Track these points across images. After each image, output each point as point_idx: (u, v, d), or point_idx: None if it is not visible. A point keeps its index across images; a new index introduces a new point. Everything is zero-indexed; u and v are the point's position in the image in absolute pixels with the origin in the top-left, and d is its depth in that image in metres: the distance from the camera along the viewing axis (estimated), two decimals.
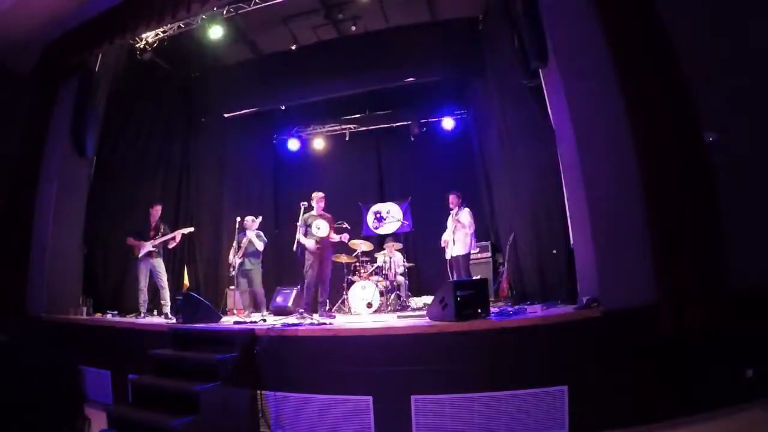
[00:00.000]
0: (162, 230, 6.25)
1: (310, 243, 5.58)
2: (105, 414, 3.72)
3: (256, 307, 6.49)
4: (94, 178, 6.58)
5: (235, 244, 6.45)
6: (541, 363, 3.66)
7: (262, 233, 6.64)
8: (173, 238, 6.27)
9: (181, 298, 5.38)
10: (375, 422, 3.73)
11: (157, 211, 6.36)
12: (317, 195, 5.85)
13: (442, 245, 6.36)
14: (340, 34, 7.27)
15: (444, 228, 6.44)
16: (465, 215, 6.09)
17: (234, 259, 6.40)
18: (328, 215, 5.87)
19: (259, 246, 6.49)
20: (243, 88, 7.96)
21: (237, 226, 6.43)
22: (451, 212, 6.32)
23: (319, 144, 9.64)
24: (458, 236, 6.10)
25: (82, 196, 6.37)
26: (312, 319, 5.12)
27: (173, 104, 7.78)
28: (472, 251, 6.43)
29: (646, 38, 4.08)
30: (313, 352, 4.06)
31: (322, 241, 5.57)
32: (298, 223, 5.60)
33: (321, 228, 5.50)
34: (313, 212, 5.78)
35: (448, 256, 6.30)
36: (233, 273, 6.41)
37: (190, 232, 6.53)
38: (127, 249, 6.26)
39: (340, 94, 8.13)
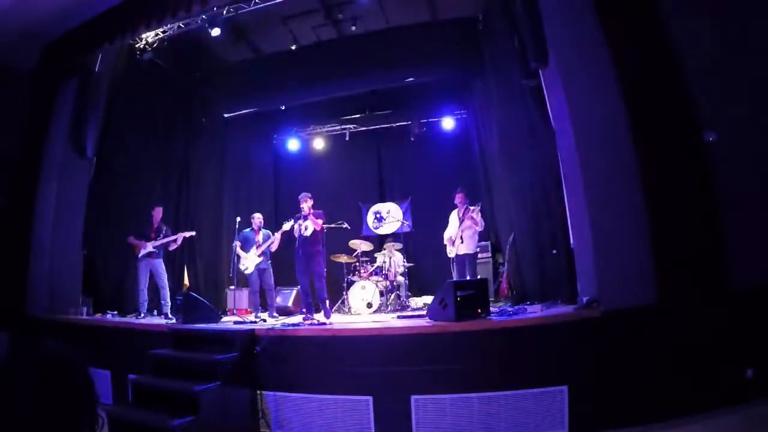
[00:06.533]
0: (164, 231, 6.25)
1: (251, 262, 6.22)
2: (105, 414, 3.72)
3: (266, 308, 6.39)
4: (94, 178, 6.58)
5: (236, 241, 6.37)
6: (541, 363, 3.66)
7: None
8: (174, 241, 6.27)
9: (181, 298, 5.38)
10: (375, 422, 3.73)
11: (158, 212, 6.35)
12: (303, 196, 5.63)
13: (446, 242, 6.29)
14: (340, 34, 7.26)
15: (445, 226, 6.41)
16: (478, 213, 6.04)
17: (250, 257, 6.32)
18: (316, 212, 5.56)
19: (274, 245, 6.39)
20: (243, 88, 7.96)
21: (237, 226, 6.40)
22: (457, 210, 6.24)
23: (319, 144, 9.64)
24: (467, 234, 6.05)
25: (82, 196, 6.37)
26: (314, 319, 5.12)
27: (173, 104, 7.77)
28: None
29: (646, 38, 4.09)
30: (313, 352, 4.06)
31: (308, 241, 5.45)
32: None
33: (308, 228, 5.46)
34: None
35: (452, 254, 6.23)
36: (248, 272, 6.31)
37: (192, 235, 6.52)
38: (127, 248, 6.27)
39: (340, 94, 8.13)
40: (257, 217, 6.57)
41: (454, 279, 6.08)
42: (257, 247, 6.31)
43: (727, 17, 3.99)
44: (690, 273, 3.70)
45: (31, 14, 5.85)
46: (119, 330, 5.20)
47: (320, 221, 5.47)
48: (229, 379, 3.86)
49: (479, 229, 6.09)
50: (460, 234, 6.07)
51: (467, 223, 6.01)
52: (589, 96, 4.10)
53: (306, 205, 5.51)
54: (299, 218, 5.51)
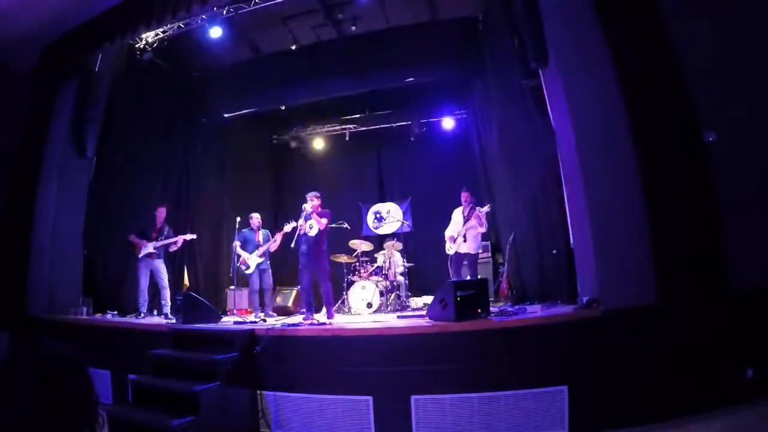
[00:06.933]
0: (165, 233, 6.26)
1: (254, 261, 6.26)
2: (105, 414, 3.72)
3: (264, 307, 6.42)
4: (94, 178, 6.58)
5: (236, 241, 6.37)
6: (541, 363, 3.66)
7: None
8: (175, 243, 6.27)
9: (181, 298, 5.38)
10: (375, 422, 3.73)
11: (162, 213, 6.37)
12: (309, 195, 5.61)
13: (447, 239, 6.25)
14: (340, 34, 7.26)
15: (445, 226, 6.39)
16: (485, 215, 6.00)
17: (252, 258, 6.32)
18: (319, 212, 5.53)
19: (274, 246, 6.41)
20: (243, 88, 7.95)
21: (237, 226, 6.40)
22: (462, 208, 6.20)
23: (319, 144, 9.64)
24: (470, 233, 6.02)
25: (82, 196, 6.38)
26: (314, 319, 5.12)
27: (173, 104, 7.77)
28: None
29: (646, 38, 4.09)
30: (313, 352, 4.06)
31: (312, 240, 5.43)
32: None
33: (312, 227, 5.45)
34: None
35: (451, 251, 6.21)
36: (249, 271, 6.32)
37: (192, 238, 6.54)
38: (127, 248, 6.27)
39: (340, 94, 8.13)
40: (255, 218, 6.58)
41: (452, 277, 6.10)
42: (258, 248, 6.33)
43: (727, 17, 3.99)
44: (690, 273, 3.70)
45: (31, 14, 5.85)
46: (119, 330, 5.20)
47: (324, 220, 5.44)
48: (229, 379, 3.86)
49: (483, 230, 6.07)
50: (463, 232, 6.05)
51: (473, 222, 5.97)
52: (589, 96, 4.10)
53: (309, 204, 5.49)
54: (303, 217, 5.50)
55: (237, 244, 6.31)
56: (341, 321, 5.52)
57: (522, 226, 6.05)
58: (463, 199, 6.21)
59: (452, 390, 3.64)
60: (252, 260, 6.29)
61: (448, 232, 6.27)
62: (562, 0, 4.34)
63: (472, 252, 6.08)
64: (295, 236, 5.64)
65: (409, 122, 9.05)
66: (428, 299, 6.45)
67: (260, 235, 6.45)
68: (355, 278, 7.00)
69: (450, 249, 6.23)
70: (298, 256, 5.54)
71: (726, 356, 3.54)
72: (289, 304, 6.92)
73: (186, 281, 7.57)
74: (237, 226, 6.39)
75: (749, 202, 3.80)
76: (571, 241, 4.39)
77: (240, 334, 4.24)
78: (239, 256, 6.31)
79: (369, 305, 6.48)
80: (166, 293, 6.15)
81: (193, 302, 5.22)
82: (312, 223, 5.40)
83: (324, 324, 4.84)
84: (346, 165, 9.55)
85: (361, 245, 7.38)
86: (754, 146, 3.87)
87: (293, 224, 5.67)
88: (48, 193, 6.12)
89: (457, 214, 6.25)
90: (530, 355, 3.69)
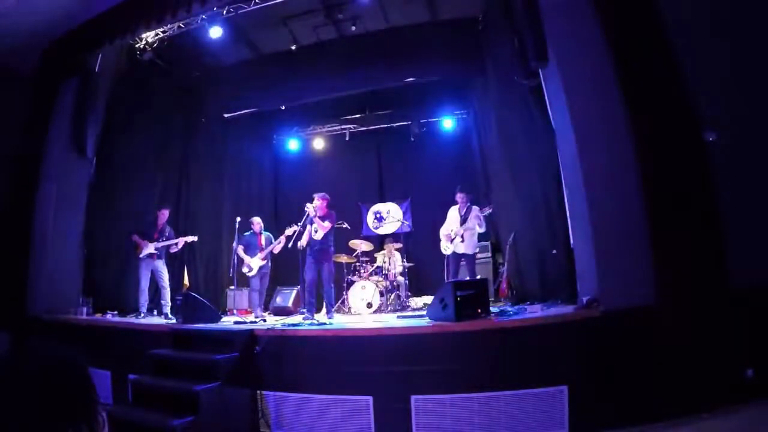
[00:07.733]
0: (167, 234, 6.27)
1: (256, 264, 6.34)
2: (105, 414, 3.72)
3: (266, 307, 6.50)
4: (94, 178, 6.58)
5: (237, 244, 6.38)
6: (541, 363, 3.66)
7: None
8: (176, 244, 6.28)
9: (181, 298, 5.38)
10: (375, 422, 3.73)
11: (164, 214, 6.38)
12: (316, 196, 5.59)
13: (443, 237, 6.23)
14: (340, 34, 7.26)
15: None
16: (484, 216, 6.02)
17: (254, 261, 6.36)
18: (323, 214, 5.48)
19: (278, 248, 6.44)
20: (243, 88, 7.95)
21: (237, 226, 6.40)
22: (458, 207, 6.19)
23: (319, 144, 9.65)
24: (468, 234, 6.02)
25: (82, 196, 6.38)
26: (314, 319, 5.12)
27: (173, 104, 7.77)
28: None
29: (646, 37, 4.09)
30: (313, 352, 4.06)
31: (319, 242, 5.44)
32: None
33: (318, 231, 5.45)
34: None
35: (447, 251, 6.21)
36: (252, 274, 6.37)
37: (193, 240, 6.55)
38: (128, 248, 6.27)
39: (340, 94, 8.13)
40: (257, 222, 6.62)
41: (449, 277, 6.10)
42: (261, 251, 6.36)
43: (728, 16, 3.99)
44: (690, 273, 3.70)
45: (31, 14, 5.85)
46: (119, 330, 5.20)
47: (327, 224, 5.41)
48: (229, 379, 3.86)
49: (481, 230, 6.08)
50: (461, 232, 6.05)
51: (472, 222, 5.97)
52: (589, 95, 4.10)
53: (311, 206, 5.49)
54: (307, 221, 5.51)
55: (240, 247, 6.35)
56: (341, 321, 5.53)
57: (522, 226, 6.06)
58: (458, 199, 6.21)
59: (452, 390, 3.64)
60: (255, 263, 6.33)
61: (444, 231, 6.27)
62: (561, 0, 4.34)
63: (470, 252, 6.08)
64: (294, 237, 5.65)
65: (409, 122, 9.05)
66: (428, 299, 6.45)
67: (262, 239, 6.50)
68: (355, 278, 7.00)
69: (447, 249, 6.23)
70: (298, 256, 5.54)
71: (726, 356, 3.54)
72: (289, 304, 6.92)
73: (186, 281, 7.58)
74: (237, 227, 6.40)
75: (749, 202, 3.80)
76: (571, 241, 4.39)
77: (240, 334, 4.24)
78: (242, 260, 6.33)
79: (369, 305, 6.49)
80: (167, 293, 6.16)
81: (193, 302, 5.22)
82: (316, 227, 5.41)
83: (324, 324, 4.84)
84: (346, 165, 9.55)
85: (361, 245, 7.39)
86: (754, 146, 3.87)
87: (295, 228, 5.71)
88: (48, 193, 6.12)
89: (453, 212, 6.25)
90: (530, 355, 3.69)
